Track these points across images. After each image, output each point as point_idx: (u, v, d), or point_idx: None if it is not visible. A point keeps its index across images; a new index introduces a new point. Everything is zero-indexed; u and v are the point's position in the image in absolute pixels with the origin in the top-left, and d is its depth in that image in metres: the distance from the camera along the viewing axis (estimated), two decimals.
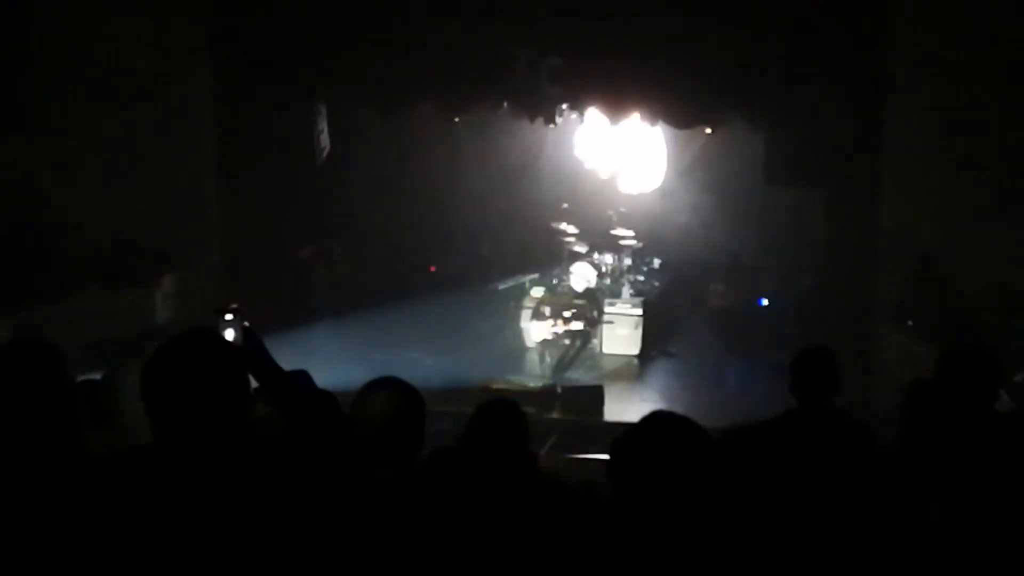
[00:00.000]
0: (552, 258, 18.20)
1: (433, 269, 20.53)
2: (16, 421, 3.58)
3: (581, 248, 17.74)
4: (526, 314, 16.57)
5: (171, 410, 3.28)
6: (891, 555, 4.13)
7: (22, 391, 3.63)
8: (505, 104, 16.40)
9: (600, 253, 17.89)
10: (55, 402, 3.68)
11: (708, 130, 17.47)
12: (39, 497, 3.29)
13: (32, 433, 3.59)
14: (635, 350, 16.34)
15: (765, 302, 17.67)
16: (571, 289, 17.08)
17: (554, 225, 18.17)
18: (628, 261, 18.16)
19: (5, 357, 3.73)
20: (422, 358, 15.13)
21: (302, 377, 4.07)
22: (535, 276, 18.24)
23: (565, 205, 18.70)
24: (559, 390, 13.93)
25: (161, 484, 3.18)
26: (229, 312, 3.89)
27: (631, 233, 18.03)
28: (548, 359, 16.08)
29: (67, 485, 3.29)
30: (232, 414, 3.35)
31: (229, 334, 3.86)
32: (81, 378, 4.85)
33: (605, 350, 16.46)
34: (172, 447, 3.27)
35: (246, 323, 3.94)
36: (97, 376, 5.06)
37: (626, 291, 17.38)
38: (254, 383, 3.72)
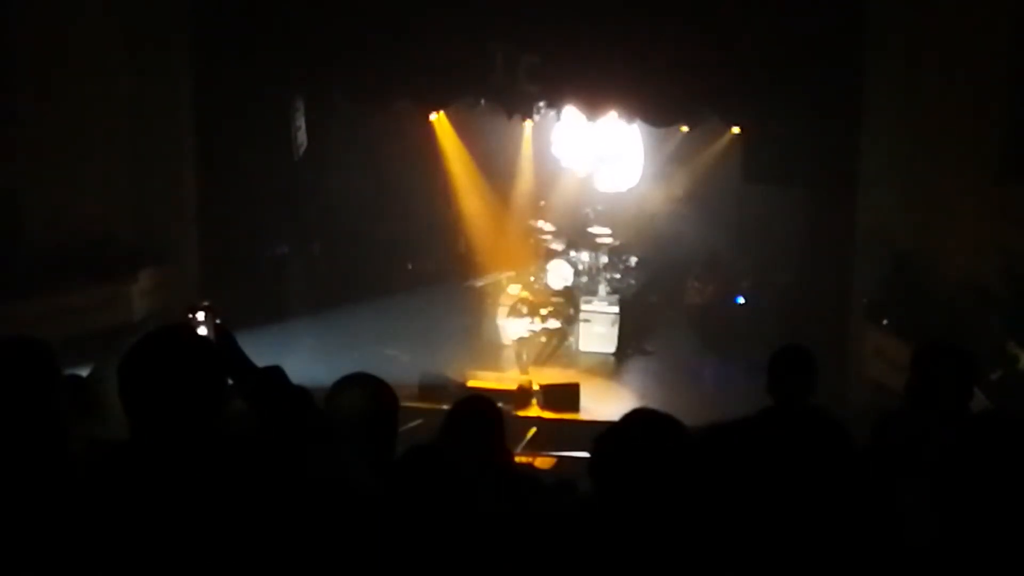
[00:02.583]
0: (529, 256, 18.20)
1: (410, 266, 20.51)
2: (3, 417, 3.56)
3: (558, 246, 17.73)
4: (503, 311, 16.55)
5: (147, 406, 3.28)
6: (867, 553, 4.14)
7: (11, 387, 3.61)
8: (482, 101, 16.41)
9: (577, 251, 17.87)
10: (42, 398, 3.66)
11: (685, 128, 17.52)
12: (19, 493, 3.28)
13: (18, 429, 3.57)
14: (612, 348, 16.35)
15: (742, 300, 17.72)
16: (548, 287, 17.08)
17: (531, 223, 18.18)
18: (605, 259, 18.15)
19: None
20: (398, 355, 15.11)
21: (276, 373, 4.06)
22: (512, 273, 18.24)
23: (542, 203, 18.72)
24: (536, 387, 13.94)
25: (137, 480, 3.18)
26: (200, 310, 3.88)
27: (608, 231, 18.04)
28: (525, 356, 16.07)
29: (47, 481, 3.28)
30: (207, 409, 3.35)
31: (201, 332, 3.85)
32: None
33: (582, 348, 16.47)
34: (148, 443, 3.26)
35: (218, 321, 3.93)
36: (76, 371, 5.05)
37: (603, 289, 17.39)
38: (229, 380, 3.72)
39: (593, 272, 17.94)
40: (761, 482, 4.68)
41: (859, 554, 4.12)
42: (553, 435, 12.28)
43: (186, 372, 3.33)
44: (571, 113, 16.66)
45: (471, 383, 13.80)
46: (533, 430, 12.46)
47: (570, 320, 16.67)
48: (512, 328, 16.42)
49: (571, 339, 16.64)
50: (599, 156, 18.96)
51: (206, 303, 3.90)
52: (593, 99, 15.69)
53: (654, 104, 15.58)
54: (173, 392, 3.28)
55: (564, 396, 13.74)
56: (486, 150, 19.67)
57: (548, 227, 17.93)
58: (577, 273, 17.49)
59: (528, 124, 18.46)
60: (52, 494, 3.23)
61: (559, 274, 17.09)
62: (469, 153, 19.73)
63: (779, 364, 6.14)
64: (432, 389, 12.90)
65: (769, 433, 5.88)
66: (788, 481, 4.93)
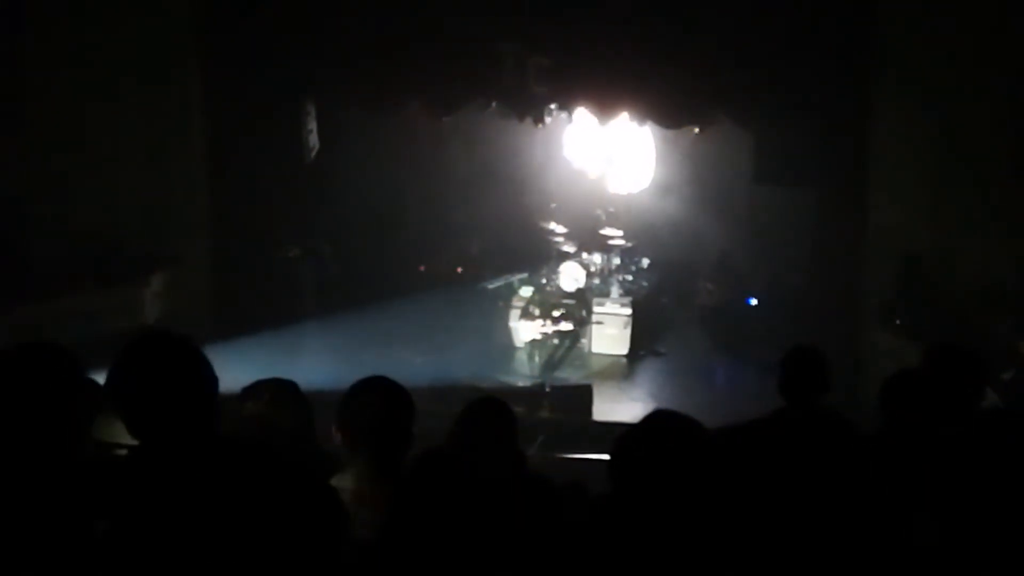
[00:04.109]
0: (541, 258, 18.19)
1: (422, 268, 20.51)
2: (28, 424, 3.56)
3: (570, 248, 17.73)
4: (515, 313, 16.54)
5: (138, 412, 3.30)
6: (878, 550, 4.15)
7: (36, 394, 3.60)
8: (493, 104, 16.40)
9: (589, 253, 17.87)
10: (66, 405, 3.66)
11: (696, 130, 17.49)
12: (37, 498, 3.30)
13: (41, 436, 3.57)
14: (624, 350, 16.33)
15: (754, 301, 17.69)
16: (560, 289, 17.06)
17: (543, 225, 18.16)
18: (617, 261, 18.16)
19: (18, 359, 3.70)
20: (411, 357, 15.10)
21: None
22: (524, 275, 18.22)
23: (554, 205, 18.70)
24: (548, 389, 13.95)
25: (144, 484, 3.19)
26: None
27: (620, 233, 18.03)
28: (537, 358, 16.06)
29: (61, 486, 3.30)
30: (200, 411, 3.36)
31: None
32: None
33: (594, 349, 16.45)
34: (154, 447, 3.28)
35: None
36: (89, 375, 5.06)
37: (615, 291, 17.37)
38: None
39: (605, 274, 17.93)
40: (774, 482, 4.69)
41: (870, 551, 4.13)
42: (565, 437, 12.27)
43: (172, 376, 3.35)
44: (582, 115, 16.65)
45: (484, 385, 13.80)
46: (545, 432, 12.45)
47: (582, 322, 16.65)
48: (524, 330, 16.41)
49: (583, 341, 16.62)
50: (610, 158, 18.94)
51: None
52: (604, 101, 15.67)
53: (665, 106, 15.56)
54: (163, 397, 3.30)
55: (576, 398, 13.75)
56: (497, 152, 19.66)
57: (560, 229, 17.91)
58: (589, 275, 17.47)
59: (539, 126, 18.44)
60: (65, 498, 3.25)
61: (571, 276, 17.07)
62: (480, 155, 19.72)
63: (791, 365, 6.13)
64: (444, 392, 12.90)
65: (782, 435, 5.90)
66: (800, 482, 4.94)
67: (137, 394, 3.34)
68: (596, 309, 16.58)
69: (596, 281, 17.66)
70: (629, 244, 18.20)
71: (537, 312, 16.49)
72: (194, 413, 3.35)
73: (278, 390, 5.08)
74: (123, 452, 3.45)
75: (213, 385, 3.47)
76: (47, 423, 3.54)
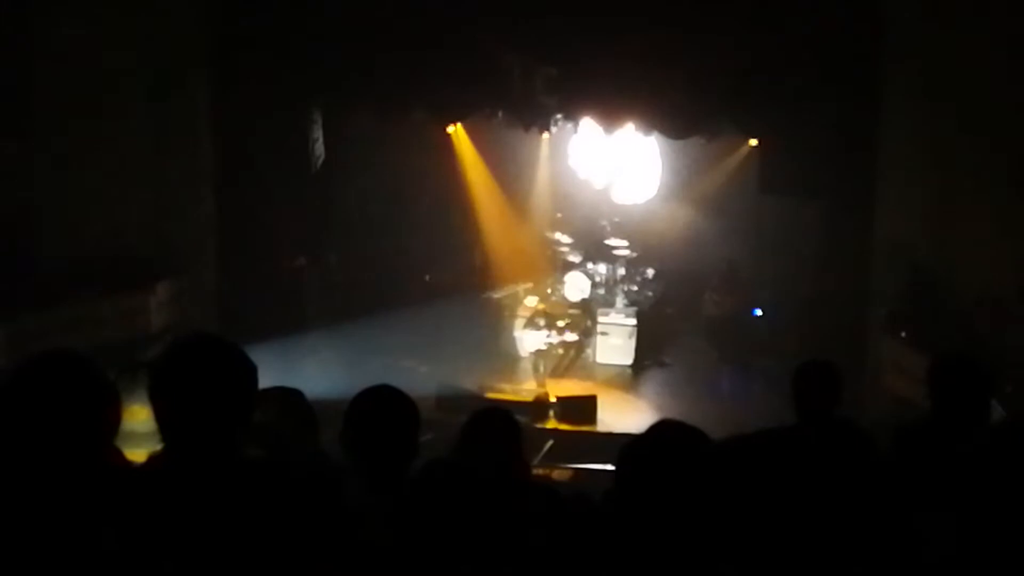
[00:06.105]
0: (546, 268, 18.18)
1: (427, 277, 20.51)
2: (49, 433, 3.54)
3: (575, 258, 17.72)
4: (520, 323, 16.53)
5: (183, 417, 3.28)
6: (887, 565, 4.14)
7: (61, 403, 3.58)
8: (500, 113, 16.42)
9: (594, 263, 17.87)
10: (88, 414, 3.64)
11: (703, 141, 17.52)
12: (47, 505, 3.29)
13: (65, 444, 3.55)
14: (629, 360, 16.32)
15: (759, 312, 17.67)
16: (565, 299, 17.06)
17: (548, 235, 18.17)
18: (622, 271, 18.15)
19: (40, 368, 3.68)
20: (416, 366, 15.10)
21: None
22: (529, 285, 18.21)
23: (559, 215, 18.71)
24: (553, 399, 13.93)
25: (170, 495, 3.19)
26: None
27: (625, 243, 18.02)
28: (542, 368, 16.05)
29: (74, 494, 3.29)
30: (240, 420, 3.36)
31: None
32: None
33: (599, 360, 16.44)
34: (182, 455, 3.27)
35: None
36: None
37: (620, 301, 17.38)
38: None
39: (610, 284, 17.93)
40: (783, 493, 4.68)
41: (881, 564, 4.12)
42: (570, 447, 12.28)
43: (223, 382, 3.33)
44: (588, 125, 16.66)
45: (489, 395, 13.80)
46: (550, 442, 12.45)
47: (587, 332, 16.65)
48: (529, 340, 16.39)
49: (588, 351, 16.62)
50: (616, 168, 18.95)
51: None
52: (610, 111, 15.70)
53: (671, 116, 15.59)
54: (210, 403, 3.28)
55: (581, 408, 13.74)
56: (503, 162, 19.67)
57: (565, 239, 17.91)
58: (594, 285, 17.47)
59: (545, 136, 18.45)
60: (75, 505, 3.24)
61: (576, 286, 17.08)
62: (486, 165, 19.73)
63: (803, 381, 6.05)
64: (449, 401, 12.91)
65: (793, 446, 5.88)
66: (812, 493, 4.93)
67: (179, 395, 3.32)
68: (601, 319, 16.59)
69: (601, 291, 17.68)
70: (634, 254, 18.20)
71: (542, 322, 16.48)
72: (228, 420, 3.34)
73: (283, 398, 5.08)
74: (137, 461, 3.44)
75: (251, 389, 3.45)
76: (71, 431, 3.53)
